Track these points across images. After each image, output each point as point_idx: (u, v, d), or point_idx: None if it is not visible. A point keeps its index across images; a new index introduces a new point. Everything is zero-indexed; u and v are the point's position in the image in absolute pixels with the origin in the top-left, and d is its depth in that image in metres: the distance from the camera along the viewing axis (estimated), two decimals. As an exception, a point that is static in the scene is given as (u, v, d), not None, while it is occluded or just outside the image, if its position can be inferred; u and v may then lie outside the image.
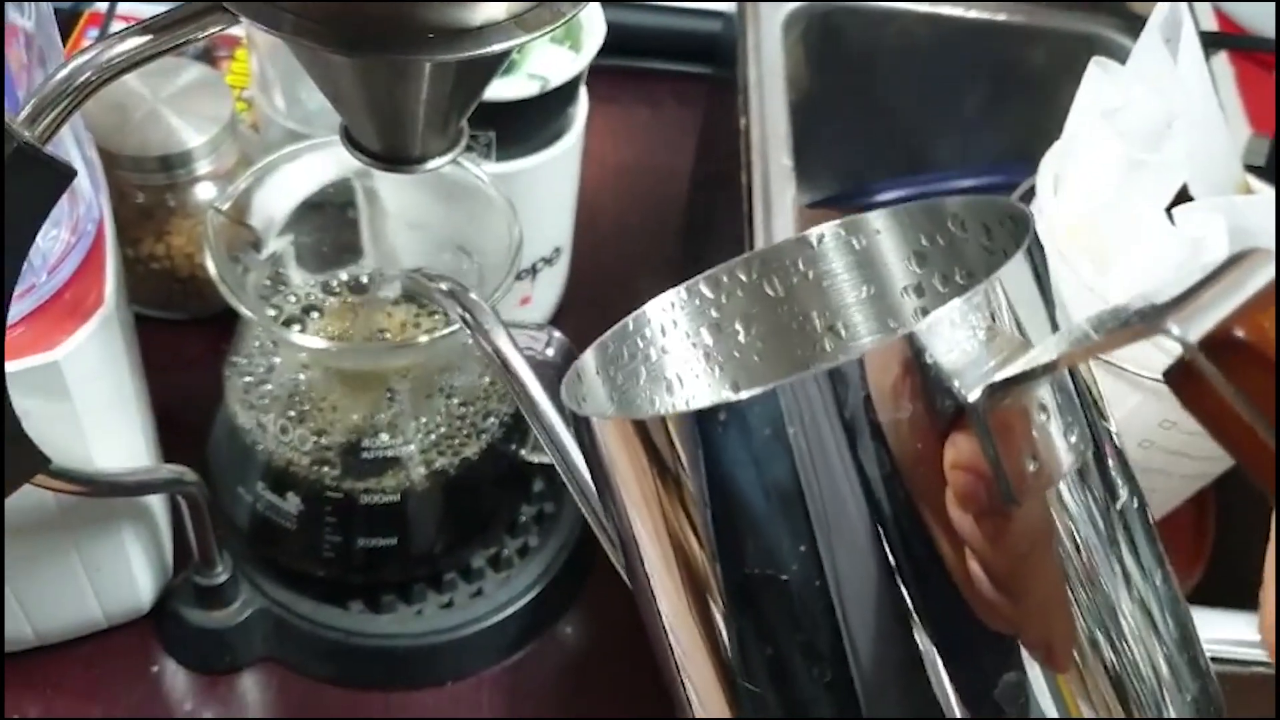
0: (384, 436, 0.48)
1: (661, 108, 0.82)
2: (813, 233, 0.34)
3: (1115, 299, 0.41)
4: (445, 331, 0.46)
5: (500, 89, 0.54)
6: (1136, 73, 0.45)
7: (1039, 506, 0.25)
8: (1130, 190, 0.41)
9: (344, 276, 0.52)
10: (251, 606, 0.51)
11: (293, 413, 0.48)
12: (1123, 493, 0.27)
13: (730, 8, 0.65)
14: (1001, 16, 0.66)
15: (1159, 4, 0.46)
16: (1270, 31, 0.63)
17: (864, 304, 0.35)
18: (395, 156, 0.40)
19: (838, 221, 0.34)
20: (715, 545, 0.26)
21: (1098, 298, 0.41)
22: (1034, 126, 0.54)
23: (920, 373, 0.24)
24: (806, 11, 0.65)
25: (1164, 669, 0.27)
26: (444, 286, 0.41)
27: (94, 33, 0.73)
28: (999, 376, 0.23)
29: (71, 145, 0.41)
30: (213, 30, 0.35)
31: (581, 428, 0.29)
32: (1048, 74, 0.66)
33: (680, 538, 0.27)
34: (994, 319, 0.25)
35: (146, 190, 0.59)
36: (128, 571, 0.49)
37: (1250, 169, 0.48)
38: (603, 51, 0.57)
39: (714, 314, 0.35)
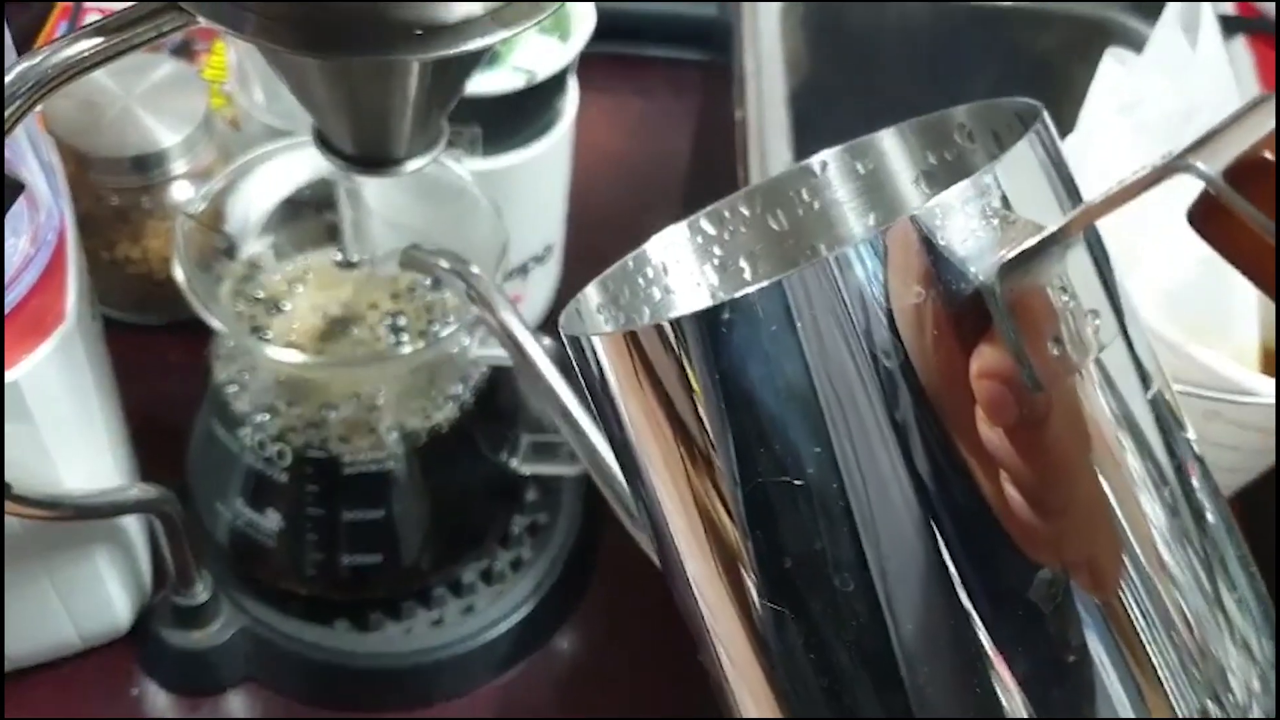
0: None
1: (655, 96, 0.80)
2: (815, 160, 0.32)
3: (1139, 302, 0.39)
4: (435, 337, 0.44)
5: (485, 83, 0.52)
6: (1154, 64, 0.42)
7: (1069, 407, 0.23)
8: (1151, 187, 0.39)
9: (336, 256, 0.50)
10: (233, 626, 0.49)
11: (269, 418, 0.46)
12: (1152, 381, 0.25)
13: (726, -7, 0.63)
14: (1009, 1, 0.64)
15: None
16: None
17: (873, 230, 0.32)
18: (372, 159, 0.38)
19: (840, 146, 0.32)
20: (727, 456, 0.24)
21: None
22: (1044, 114, 0.52)
23: (931, 256, 0.22)
24: (805, -5, 0.63)
25: (1215, 566, 0.26)
26: (444, 263, 0.39)
27: (67, 26, 0.71)
28: (1012, 254, 0.22)
29: (27, 150, 0.39)
30: (169, 30, 0.33)
31: (579, 350, 0.27)
32: (1058, 61, 0.64)
33: (688, 453, 0.25)
34: (1006, 204, 0.23)
35: (121, 192, 0.57)
36: (103, 593, 0.47)
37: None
38: (593, 39, 0.55)
39: (717, 251, 0.33)
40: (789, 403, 0.23)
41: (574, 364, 0.28)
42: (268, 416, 0.45)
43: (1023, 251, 0.22)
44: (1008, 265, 0.22)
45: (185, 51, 0.72)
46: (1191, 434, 0.26)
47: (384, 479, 0.46)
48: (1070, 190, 0.25)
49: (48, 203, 0.40)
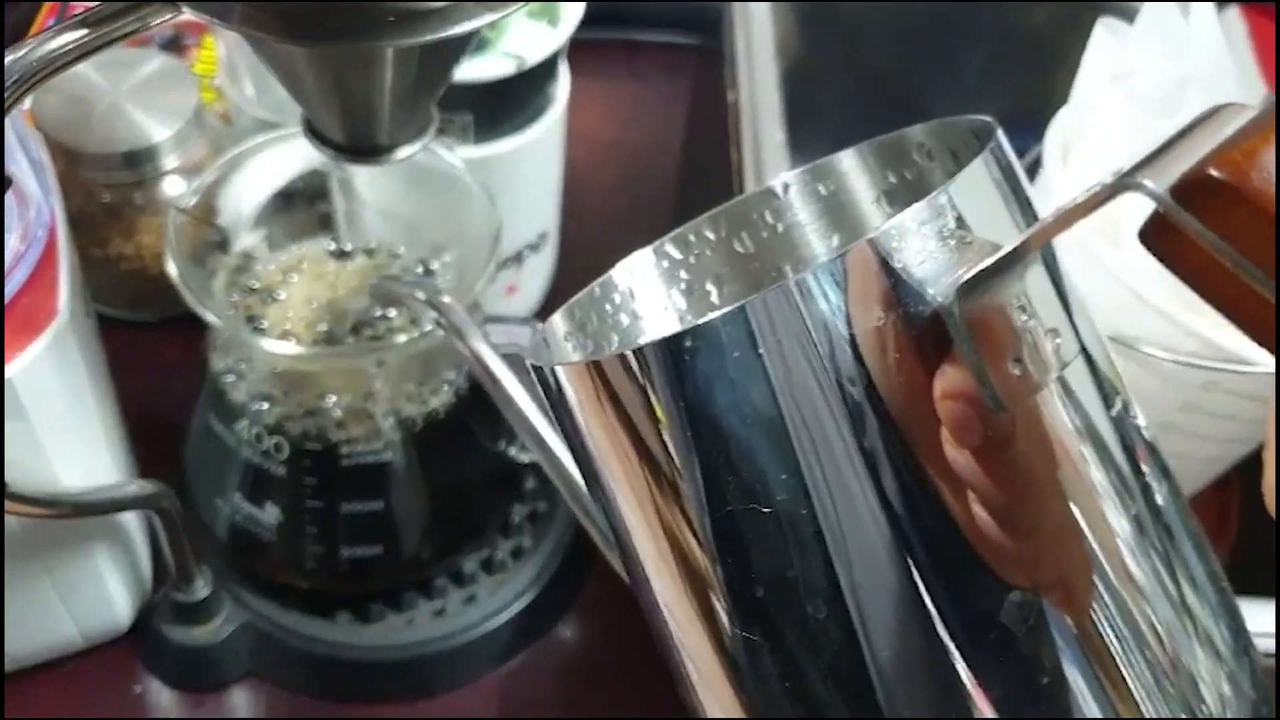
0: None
1: (648, 81, 0.79)
2: (777, 182, 0.32)
3: (1131, 276, 0.39)
4: (423, 331, 0.43)
5: (475, 69, 0.52)
6: (1146, 34, 0.42)
7: (1034, 425, 0.23)
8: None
9: (330, 245, 0.50)
10: (234, 621, 0.49)
11: (267, 406, 0.45)
12: (1116, 400, 0.25)
13: (716, -25, 0.63)
14: (999, -24, 0.64)
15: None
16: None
17: (836, 251, 0.33)
18: (362, 147, 0.38)
19: (802, 168, 0.32)
20: (694, 484, 0.24)
21: (1113, 275, 0.39)
22: (1036, 90, 0.52)
23: (890, 279, 0.22)
24: (796, -24, 0.62)
25: (1183, 581, 0.26)
26: (420, 295, 0.39)
27: (55, 23, 0.70)
28: (970, 274, 0.22)
29: (15, 147, 0.39)
30: (155, 22, 0.32)
31: (543, 379, 0.27)
32: (1049, 36, 0.63)
33: (656, 481, 0.25)
34: (961, 224, 0.23)
35: (112, 188, 0.57)
36: (103, 591, 0.47)
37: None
38: (584, 23, 0.54)
39: (684, 275, 0.33)
40: (755, 429, 0.23)
41: (542, 394, 0.28)
42: (265, 405, 0.45)
43: (980, 272, 0.22)
44: (965, 286, 0.22)
45: (175, 46, 0.72)
46: (1161, 456, 0.26)
47: (382, 470, 0.46)
48: (1026, 208, 0.25)
49: (37, 199, 0.40)
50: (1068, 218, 0.21)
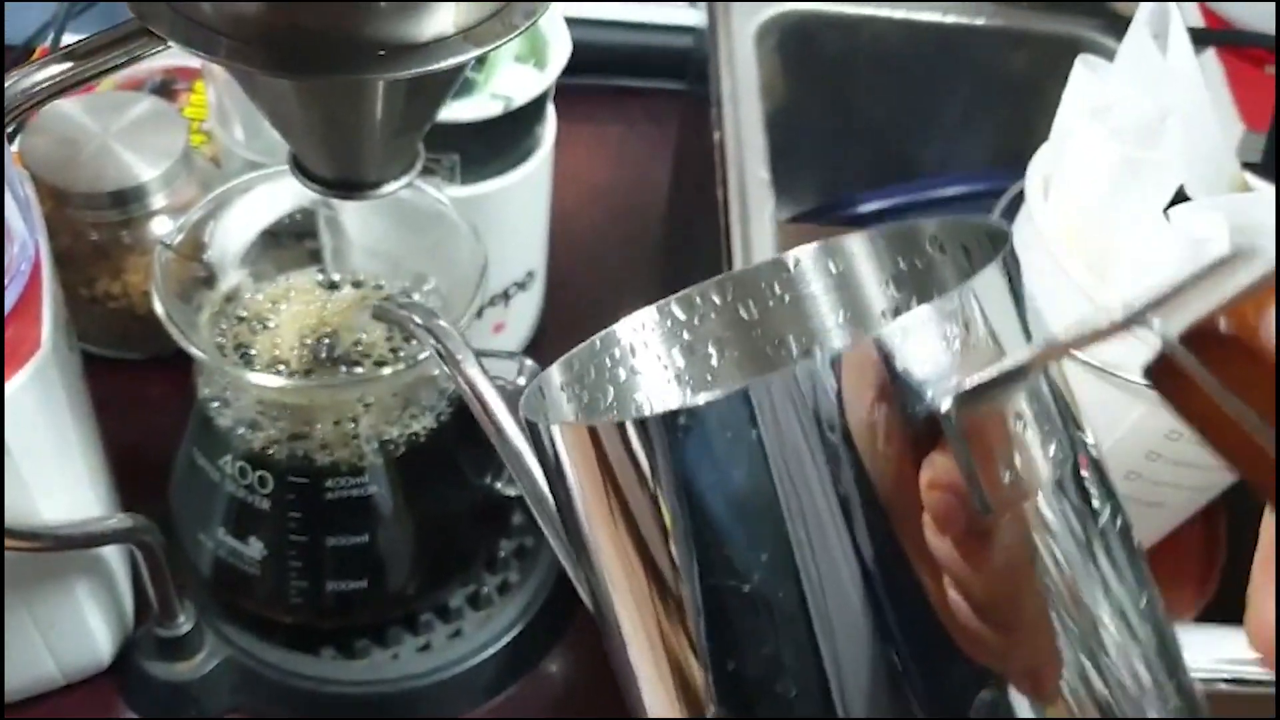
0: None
1: (635, 125, 0.80)
2: (789, 255, 0.33)
3: (1113, 305, 0.39)
4: (415, 361, 0.44)
5: (462, 110, 0.52)
6: (1125, 70, 0.43)
7: (1017, 523, 0.24)
8: (1125, 191, 0.39)
9: (318, 276, 0.50)
10: (217, 657, 0.49)
11: (253, 431, 0.45)
12: (1104, 510, 0.26)
13: (701, 20, 0.63)
14: (980, 20, 0.65)
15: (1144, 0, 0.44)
16: (1261, 25, 0.62)
17: (841, 328, 0.33)
18: (349, 183, 0.38)
19: (815, 244, 0.33)
20: (679, 558, 0.25)
21: (1095, 304, 0.39)
22: (1018, 131, 0.52)
23: (891, 377, 0.23)
24: (779, 21, 0.63)
25: (1149, 688, 0.26)
26: (417, 319, 0.39)
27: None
28: (971, 383, 0.22)
29: (1, 182, 0.39)
30: (140, 56, 0.33)
31: (538, 435, 0.27)
32: (1030, 78, 0.64)
33: (641, 551, 0.25)
34: (968, 329, 0.24)
35: (100, 227, 0.57)
36: (84, 626, 0.47)
37: (1246, 166, 0.46)
38: (572, 70, 0.55)
39: (686, 336, 0.34)
40: (746, 509, 0.24)
41: (533, 446, 0.29)
42: (251, 430, 0.45)
43: (981, 384, 0.22)
44: (965, 395, 0.22)
45: (166, 91, 0.72)
46: (1145, 565, 0.27)
47: (367, 504, 0.46)
48: (1033, 319, 0.26)
49: (21, 235, 0.40)
50: (1076, 343, 0.22)
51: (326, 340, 0.47)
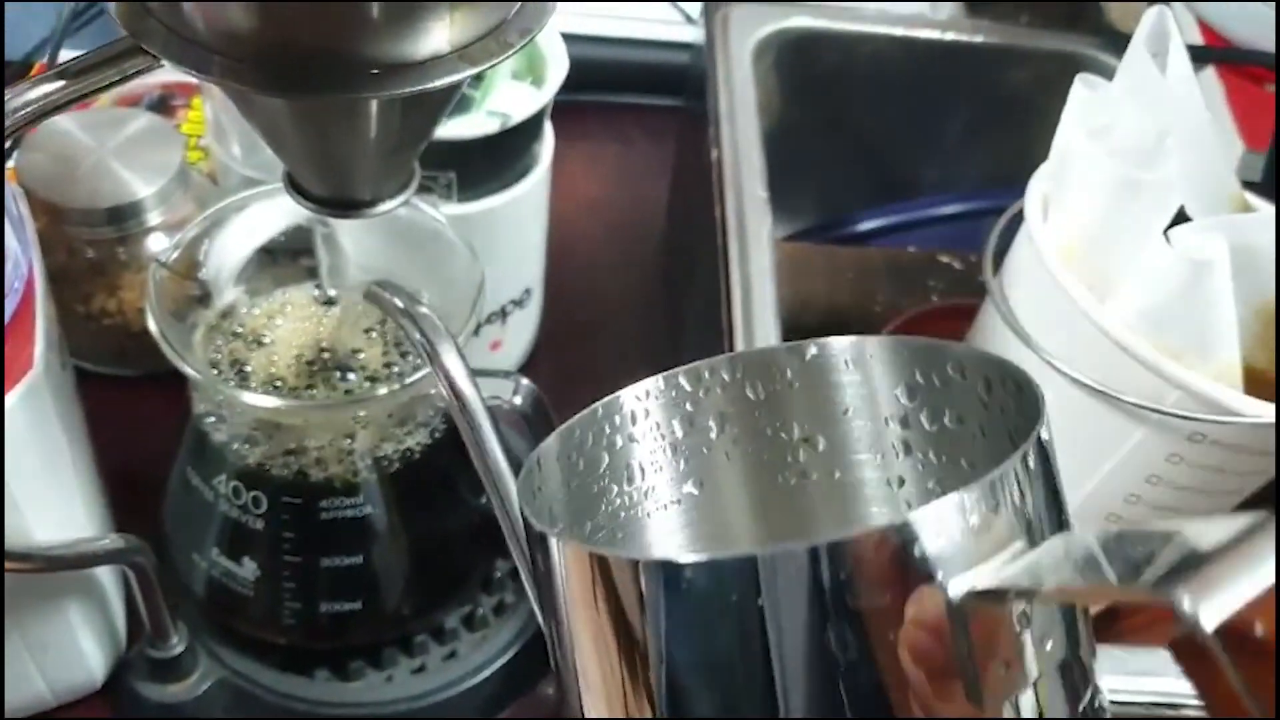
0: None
1: (633, 143, 0.80)
2: (808, 345, 0.33)
3: (1113, 327, 0.39)
4: (409, 380, 0.43)
5: (459, 127, 0.52)
6: (1124, 88, 0.42)
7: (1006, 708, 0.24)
8: (1125, 211, 0.39)
9: (314, 291, 0.50)
10: (210, 678, 0.48)
11: (248, 446, 0.45)
12: (1086, 692, 0.26)
13: (699, 37, 0.63)
14: (979, 38, 0.65)
15: (1145, 17, 0.44)
16: (1260, 43, 0.61)
17: (845, 422, 0.34)
18: (344, 201, 0.38)
19: (835, 338, 0.33)
20: (662, 702, 0.25)
21: (1097, 327, 0.39)
22: (1017, 149, 0.52)
23: (905, 564, 0.23)
24: (777, 38, 0.63)
25: None
26: (399, 303, 0.39)
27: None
28: (984, 584, 0.23)
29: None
30: (133, 74, 0.32)
31: (535, 542, 0.27)
32: (1029, 95, 0.64)
33: (626, 685, 0.26)
34: (995, 512, 0.24)
35: (96, 244, 0.57)
36: (76, 648, 0.46)
37: (1247, 185, 0.45)
38: (570, 88, 0.55)
39: (689, 407, 0.34)
40: (735, 670, 0.24)
41: (524, 536, 0.29)
42: (246, 446, 0.45)
43: (993, 589, 0.23)
44: (976, 593, 0.22)
45: (163, 108, 0.72)
46: None
47: (362, 524, 0.46)
48: (1058, 506, 0.26)
49: (14, 252, 0.39)
50: (1095, 596, 0.22)
51: (323, 358, 0.46)
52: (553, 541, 0.27)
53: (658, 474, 0.34)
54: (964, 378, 0.31)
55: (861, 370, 0.33)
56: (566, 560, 0.26)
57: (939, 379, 0.32)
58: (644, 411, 0.33)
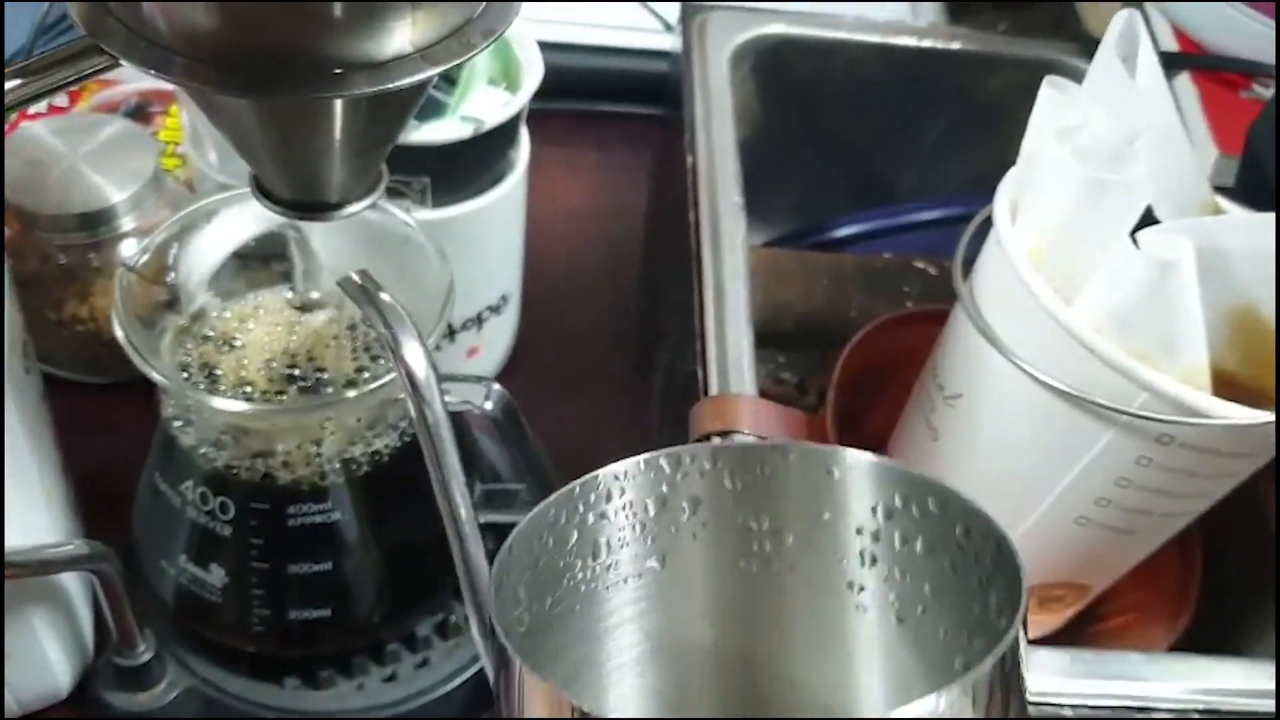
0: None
1: (611, 150, 0.80)
2: (792, 445, 0.34)
3: (1080, 329, 0.39)
4: (377, 384, 0.43)
5: (433, 132, 0.52)
6: (1093, 91, 0.42)
7: None
8: (1092, 213, 0.39)
9: (287, 294, 0.49)
10: (178, 686, 0.48)
11: (216, 449, 0.45)
12: None
13: (676, 45, 0.63)
14: (955, 45, 0.65)
15: (1114, 20, 0.43)
16: (1236, 50, 0.62)
17: (816, 525, 0.34)
18: (310, 203, 0.38)
19: (823, 446, 0.34)
20: None
21: (1065, 329, 0.39)
22: (994, 155, 0.52)
23: None
24: (754, 45, 0.63)
25: None
26: (368, 291, 0.38)
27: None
28: None
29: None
30: (91, 73, 0.32)
31: (503, 665, 0.29)
32: (1006, 102, 0.64)
33: None
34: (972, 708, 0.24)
35: (68, 250, 0.57)
36: (41, 656, 0.46)
37: (1220, 190, 0.45)
38: (548, 95, 0.55)
39: (664, 489, 0.34)
40: None
41: (490, 648, 0.30)
42: (214, 449, 0.44)
43: None
44: None
45: (140, 114, 0.72)
46: None
47: (331, 530, 0.45)
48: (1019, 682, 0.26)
49: (-21, 256, 0.39)
50: None
51: (294, 361, 0.46)
52: (526, 679, 0.28)
53: (623, 549, 0.34)
54: (943, 514, 0.32)
55: (842, 479, 0.33)
56: (534, 697, 0.27)
57: (918, 508, 0.32)
58: (619, 490, 0.34)
